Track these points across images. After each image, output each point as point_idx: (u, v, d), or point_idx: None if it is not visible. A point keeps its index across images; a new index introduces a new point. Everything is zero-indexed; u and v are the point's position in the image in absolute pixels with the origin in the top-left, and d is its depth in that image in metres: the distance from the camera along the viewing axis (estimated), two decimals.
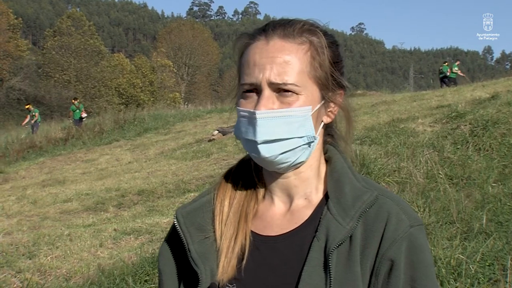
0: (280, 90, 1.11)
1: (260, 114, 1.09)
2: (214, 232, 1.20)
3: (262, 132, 1.10)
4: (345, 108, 1.23)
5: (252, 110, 1.11)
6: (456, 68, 27.20)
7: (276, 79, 1.10)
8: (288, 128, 1.11)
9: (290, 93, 1.11)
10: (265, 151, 1.11)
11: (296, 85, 1.10)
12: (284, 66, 1.10)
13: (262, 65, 1.11)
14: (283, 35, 1.13)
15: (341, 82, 1.19)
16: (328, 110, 1.20)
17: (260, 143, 1.10)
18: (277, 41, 1.13)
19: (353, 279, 1.08)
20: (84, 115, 26.34)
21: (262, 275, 1.15)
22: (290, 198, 1.21)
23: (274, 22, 1.17)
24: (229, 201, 1.23)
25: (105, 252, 6.73)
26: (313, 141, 1.15)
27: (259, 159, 1.14)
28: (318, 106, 1.15)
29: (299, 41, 1.13)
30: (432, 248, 4.60)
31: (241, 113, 1.14)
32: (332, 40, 1.18)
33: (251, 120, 1.11)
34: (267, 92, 1.10)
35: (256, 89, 1.12)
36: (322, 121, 1.19)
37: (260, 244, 1.18)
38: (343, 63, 1.21)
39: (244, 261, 1.15)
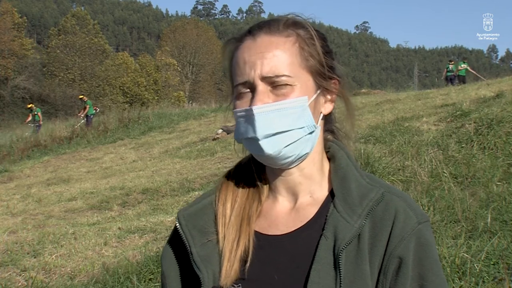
0: (274, 83, 1.10)
1: (256, 109, 1.09)
2: (217, 234, 1.19)
3: (261, 127, 1.09)
4: (344, 95, 1.22)
5: (248, 107, 1.10)
6: (464, 65, 26.63)
7: (268, 73, 1.10)
8: (286, 120, 1.10)
9: (284, 85, 1.10)
10: (268, 146, 1.10)
11: (289, 76, 1.10)
12: (274, 60, 1.10)
13: (252, 62, 1.11)
14: (269, 31, 1.14)
15: (334, 70, 1.19)
16: (326, 100, 1.19)
17: (262, 139, 1.09)
18: (264, 37, 1.13)
19: (362, 277, 1.07)
20: (94, 110, 26.54)
21: (269, 274, 1.13)
22: (294, 196, 1.20)
23: (259, 23, 1.18)
24: (231, 203, 1.22)
25: (109, 251, 6.74)
26: (314, 131, 1.15)
27: (263, 158, 1.13)
28: (315, 96, 1.15)
29: (286, 34, 1.14)
30: (437, 247, 4.57)
31: (238, 113, 1.13)
32: (320, 33, 1.19)
33: (249, 117, 1.10)
34: (261, 87, 1.10)
35: (250, 88, 1.12)
36: (321, 112, 1.18)
37: (265, 243, 1.16)
38: (333, 55, 1.20)
39: (248, 262, 1.14)
